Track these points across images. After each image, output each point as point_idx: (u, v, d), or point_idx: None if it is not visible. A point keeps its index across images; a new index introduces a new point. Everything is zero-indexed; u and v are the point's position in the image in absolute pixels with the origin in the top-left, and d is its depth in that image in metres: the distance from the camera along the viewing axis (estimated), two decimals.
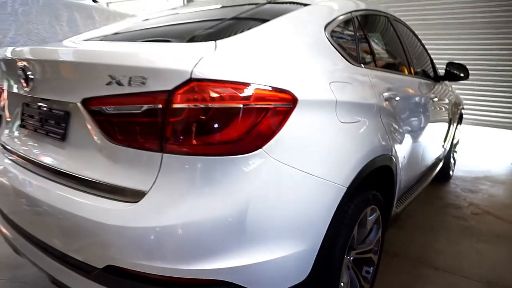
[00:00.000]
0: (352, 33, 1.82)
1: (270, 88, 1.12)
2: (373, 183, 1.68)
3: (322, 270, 1.30)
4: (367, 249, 1.74)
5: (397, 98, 1.95)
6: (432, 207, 3.29)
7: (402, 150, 2.00)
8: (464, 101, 4.48)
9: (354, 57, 1.70)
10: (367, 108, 1.60)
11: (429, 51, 3.31)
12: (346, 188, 1.32)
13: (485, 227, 2.89)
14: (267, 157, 1.09)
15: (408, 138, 2.14)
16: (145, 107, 1.04)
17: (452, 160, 4.13)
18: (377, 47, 2.17)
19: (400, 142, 1.97)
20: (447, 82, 3.51)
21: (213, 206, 1.04)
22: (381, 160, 1.64)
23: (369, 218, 1.67)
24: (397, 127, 1.91)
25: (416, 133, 2.34)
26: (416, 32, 3.10)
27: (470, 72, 3.21)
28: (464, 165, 4.77)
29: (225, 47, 1.15)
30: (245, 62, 1.15)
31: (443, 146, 3.44)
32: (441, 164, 3.56)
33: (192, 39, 1.35)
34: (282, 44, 1.33)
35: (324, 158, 1.27)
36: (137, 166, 1.09)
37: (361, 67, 1.70)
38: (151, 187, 1.05)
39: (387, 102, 1.80)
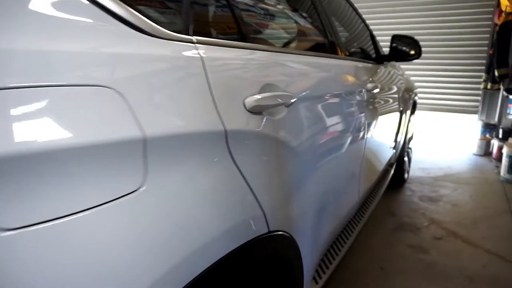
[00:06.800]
0: None
1: None
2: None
3: None
4: None
5: (293, 100, 1.02)
6: (381, 231, 2.47)
7: (314, 194, 1.10)
8: (416, 84, 3.71)
9: (167, 18, 0.76)
10: (202, 141, 0.67)
11: (370, 26, 2.45)
12: None
13: (453, 262, 2.09)
14: None
15: (327, 164, 1.25)
16: None
17: (406, 159, 3.36)
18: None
19: (307, 182, 1.07)
20: (394, 63, 2.69)
21: None
22: (258, 249, 0.72)
23: None
24: (293, 159, 1.00)
25: (342, 148, 1.46)
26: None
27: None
28: (421, 162, 4.05)
29: None
30: None
31: (393, 147, 2.63)
32: (392, 171, 2.76)
33: None
34: None
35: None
36: None
37: (191, 42, 0.75)
38: None
39: (268, 112, 0.88)
